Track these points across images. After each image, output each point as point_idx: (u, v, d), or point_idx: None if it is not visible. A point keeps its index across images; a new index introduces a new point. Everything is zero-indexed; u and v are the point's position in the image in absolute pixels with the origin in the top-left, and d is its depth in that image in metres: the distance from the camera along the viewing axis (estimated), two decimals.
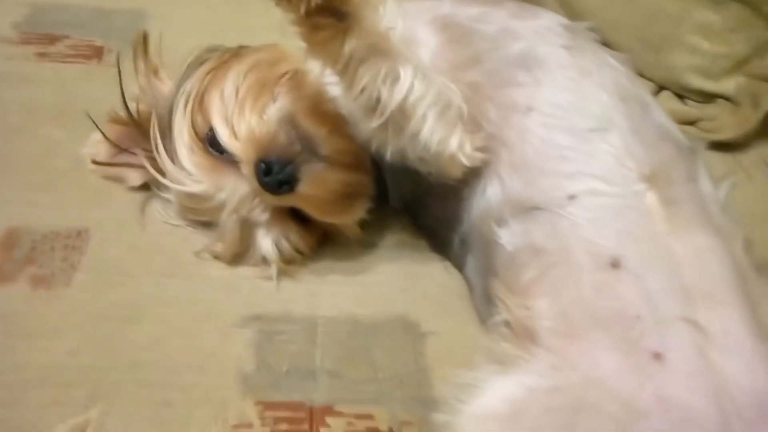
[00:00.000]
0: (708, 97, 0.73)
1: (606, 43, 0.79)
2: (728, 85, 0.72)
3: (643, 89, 0.48)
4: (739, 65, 0.71)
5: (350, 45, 0.38)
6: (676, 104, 0.74)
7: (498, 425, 0.35)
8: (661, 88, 0.76)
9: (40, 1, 0.72)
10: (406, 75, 0.41)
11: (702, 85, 0.73)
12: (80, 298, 0.45)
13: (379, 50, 0.40)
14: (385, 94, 0.40)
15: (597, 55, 0.47)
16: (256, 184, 0.43)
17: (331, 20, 0.37)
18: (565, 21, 0.49)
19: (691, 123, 0.72)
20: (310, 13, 0.36)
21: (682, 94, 0.75)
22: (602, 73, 0.45)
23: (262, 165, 0.42)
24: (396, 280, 0.51)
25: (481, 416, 0.35)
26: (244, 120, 0.44)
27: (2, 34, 0.66)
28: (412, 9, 0.54)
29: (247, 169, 0.43)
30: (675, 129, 0.46)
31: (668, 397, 0.34)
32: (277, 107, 0.44)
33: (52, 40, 0.67)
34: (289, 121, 0.43)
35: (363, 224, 0.51)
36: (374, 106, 0.41)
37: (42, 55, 0.65)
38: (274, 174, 0.42)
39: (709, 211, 0.42)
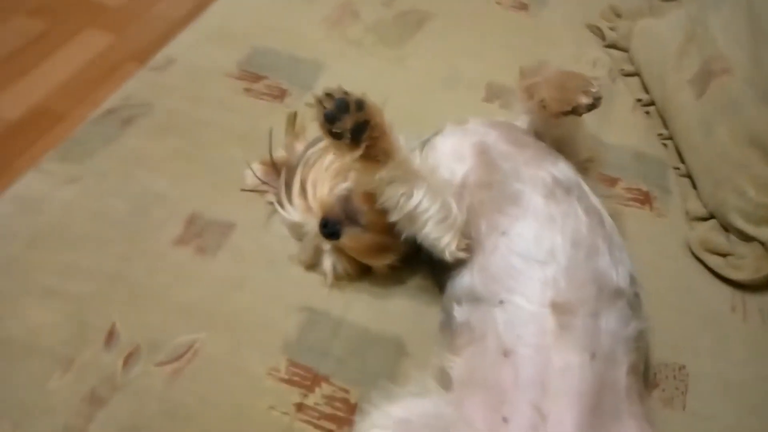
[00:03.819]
0: (747, 238, 0.83)
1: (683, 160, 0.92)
2: (765, 233, 0.81)
3: (602, 237, 0.64)
4: None
5: (380, 174, 0.62)
6: (716, 235, 0.84)
7: (393, 426, 0.58)
8: (711, 216, 0.87)
9: (258, 44, 1.04)
10: (418, 194, 0.63)
11: (743, 227, 0.83)
12: (219, 267, 0.76)
13: (403, 179, 0.63)
14: (401, 203, 0.64)
15: (569, 207, 0.64)
16: (317, 231, 0.70)
17: (371, 160, 0.61)
18: (559, 175, 0.67)
19: (723, 255, 0.83)
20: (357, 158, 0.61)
21: (727, 228, 0.85)
22: (565, 222, 0.63)
23: (323, 220, 0.69)
24: (404, 314, 0.74)
25: (386, 416, 0.58)
26: (322, 189, 0.70)
27: (228, 69, 1.00)
28: (472, 128, 0.75)
29: (314, 221, 0.70)
30: (613, 274, 0.62)
31: None
32: (343, 188, 0.69)
33: (257, 78, 0.99)
34: (346, 198, 0.69)
35: (395, 266, 0.75)
36: (394, 207, 0.64)
37: (247, 90, 0.97)
38: (328, 228, 0.68)
39: (596, 340, 0.59)
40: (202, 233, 0.79)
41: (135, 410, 0.63)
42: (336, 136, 0.60)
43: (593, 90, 0.64)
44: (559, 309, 0.59)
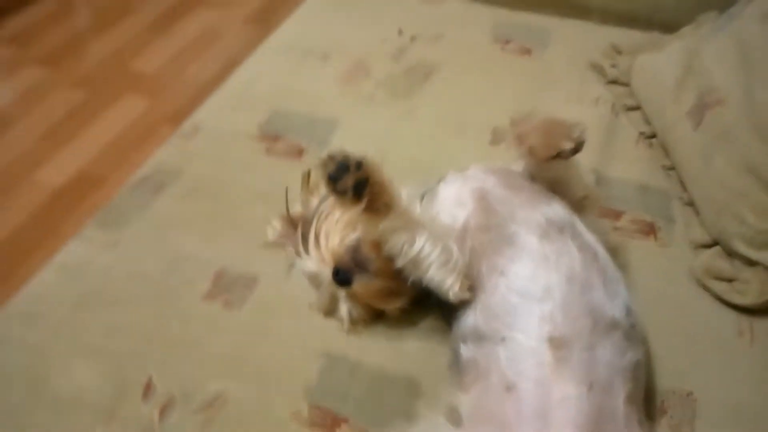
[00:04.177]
0: (751, 263, 0.85)
1: (686, 189, 0.95)
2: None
3: (597, 272, 0.68)
4: None
5: (384, 224, 0.68)
6: (720, 261, 0.87)
7: None
8: (715, 242, 0.89)
9: (277, 107, 1.12)
10: (420, 241, 0.69)
11: (746, 252, 0.85)
12: (244, 319, 0.82)
13: (404, 227, 0.68)
14: (404, 250, 0.69)
15: (563, 245, 0.68)
16: (330, 279, 0.75)
17: (374, 212, 0.67)
18: (552, 215, 0.71)
19: (728, 280, 0.85)
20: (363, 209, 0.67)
21: (731, 254, 0.87)
22: (560, 260, 0.67)
23: (335, 269, 0.74)
24: (418, 355, 0.78)
25: None
26: (333, 240, 0.76)
27: (250, 131, 1.08)
28: (472, 174, 0.80)
29: (326, 270, 0.76)
30: (608, 307, 0.66)
31: None
32: (352, 238, 0.75)
33: (276, 139, 1.06)
34: (355, 248, 0.74)
35: (406, 310, 0.79)
36: (398, 254, 0.70)
37: (268, 150, 1.05)
38: (339, 276, 0.74)
39: (593, 371, 0.62)
40: (229, 288, 0.85)
41: None
42: (340, 194, 0.66)
43: (575, 135, 0.68)
44: (555, 343, 0.63)
